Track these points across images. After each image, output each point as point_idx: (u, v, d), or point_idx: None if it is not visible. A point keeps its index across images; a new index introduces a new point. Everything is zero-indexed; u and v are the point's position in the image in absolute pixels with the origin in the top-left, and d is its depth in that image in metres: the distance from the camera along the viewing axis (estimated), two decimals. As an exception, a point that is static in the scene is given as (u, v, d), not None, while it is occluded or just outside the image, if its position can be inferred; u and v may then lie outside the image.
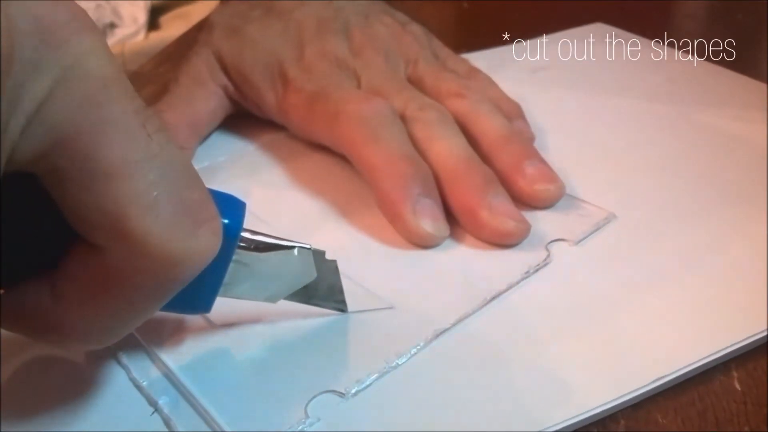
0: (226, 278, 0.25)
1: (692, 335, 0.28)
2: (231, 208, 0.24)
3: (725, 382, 0.27)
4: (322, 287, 0.28)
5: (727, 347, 0.27)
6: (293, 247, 0.26)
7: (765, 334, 0.28)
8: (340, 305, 0.29)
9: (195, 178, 0.21)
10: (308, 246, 0.27)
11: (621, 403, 0.25)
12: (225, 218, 0.23)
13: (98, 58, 0.19)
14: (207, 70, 0.40)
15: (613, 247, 0.32)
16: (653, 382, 0.26)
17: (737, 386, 0.27)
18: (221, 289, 0.25)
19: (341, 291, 0.28)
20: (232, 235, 0.24)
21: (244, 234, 0.25)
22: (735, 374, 0.27)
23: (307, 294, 0.28)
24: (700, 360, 0.27)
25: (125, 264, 0.20)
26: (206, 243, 0.21)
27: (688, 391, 0.26)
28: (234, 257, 0.25)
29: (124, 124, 0.19)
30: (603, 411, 0.25)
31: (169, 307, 0.25)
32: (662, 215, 0.34)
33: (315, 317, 0.28)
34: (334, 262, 0.28)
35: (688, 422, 0.25)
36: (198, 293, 0.24)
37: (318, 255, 0.27)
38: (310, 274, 0.27)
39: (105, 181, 0.19)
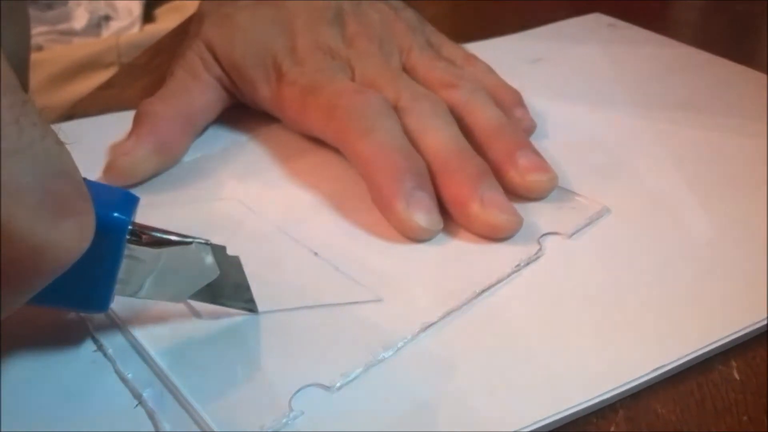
0: (122, 275, 0.25)
1: (691, 325, 0.27)
2: (121, 202, 0.24)
3: (724, 371, 0.26)
4: (228, 286, 0.27)
5: (725, 337, 0.27)
6: (190, 242, 0.26)
7: (764, 323, 0.27)
8: (249, 305, 0.28)
9: (68, 173, 0.21)
10: (206, 241, 0.26)
11: (619, 393, 0.25)
12: (114, 212, 0.23)
13: None
14: (201, 62, 0.39)
15: (606, 240, 0.32)
16: (651, 371, 0.25)
17: (736, 376, 0.26)
18: (119, 288, 0.25)
19: (248, 289, 0.27)
20: (119, 228, 0.24)
21: (136, 229, 0.25)
22: (734, 364, 0.27)
23: (212, 293, 0.27)
24: (698, 349, 0.26)
25: None
26: (71, 236, 0.21)
27: (686, 381, 0.26)
28: (127, 252, 0.24)
29: None
30: (601, 401, 0.25)
31: (63, 302, 0.25)
32: (658, 207, 0.34)
33: (304, 310, 0.28)
34: (236, 258, 0.27)
35: (687, 412, 0.25)
36: (91, 289, 0.24)
37: (218, 251, 0.26)
38: (213, 271, 0.26)
39: None
